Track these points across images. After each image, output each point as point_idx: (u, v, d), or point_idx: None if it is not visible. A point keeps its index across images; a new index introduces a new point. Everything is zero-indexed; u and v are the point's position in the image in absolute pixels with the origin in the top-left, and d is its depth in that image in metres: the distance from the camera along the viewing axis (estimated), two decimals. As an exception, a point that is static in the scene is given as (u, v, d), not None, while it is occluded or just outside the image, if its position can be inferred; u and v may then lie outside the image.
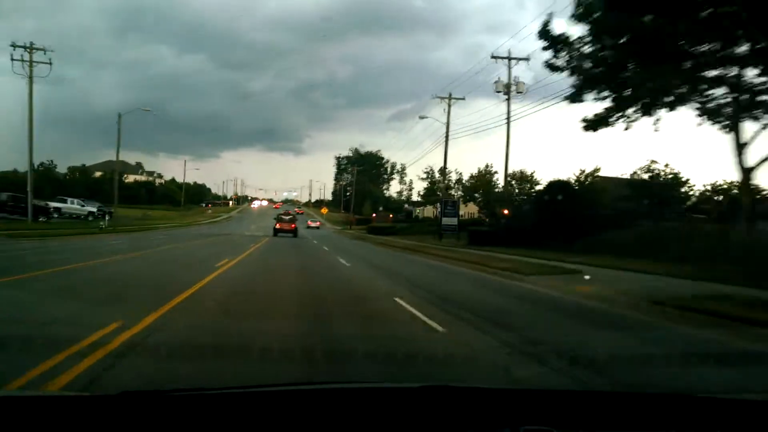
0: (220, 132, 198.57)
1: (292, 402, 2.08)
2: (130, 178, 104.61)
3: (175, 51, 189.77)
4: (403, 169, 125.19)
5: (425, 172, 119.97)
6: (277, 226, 41.53)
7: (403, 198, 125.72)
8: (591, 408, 2.13)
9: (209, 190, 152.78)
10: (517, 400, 2.20)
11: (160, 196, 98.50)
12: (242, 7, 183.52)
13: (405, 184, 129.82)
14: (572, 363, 5.78)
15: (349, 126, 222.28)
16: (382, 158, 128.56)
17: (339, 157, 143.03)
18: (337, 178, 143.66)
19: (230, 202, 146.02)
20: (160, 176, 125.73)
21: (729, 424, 2.06)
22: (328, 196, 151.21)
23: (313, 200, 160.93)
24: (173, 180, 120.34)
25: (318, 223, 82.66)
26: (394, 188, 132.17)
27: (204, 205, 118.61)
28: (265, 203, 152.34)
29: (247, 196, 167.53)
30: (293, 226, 41.73)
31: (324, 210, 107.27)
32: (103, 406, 1.94)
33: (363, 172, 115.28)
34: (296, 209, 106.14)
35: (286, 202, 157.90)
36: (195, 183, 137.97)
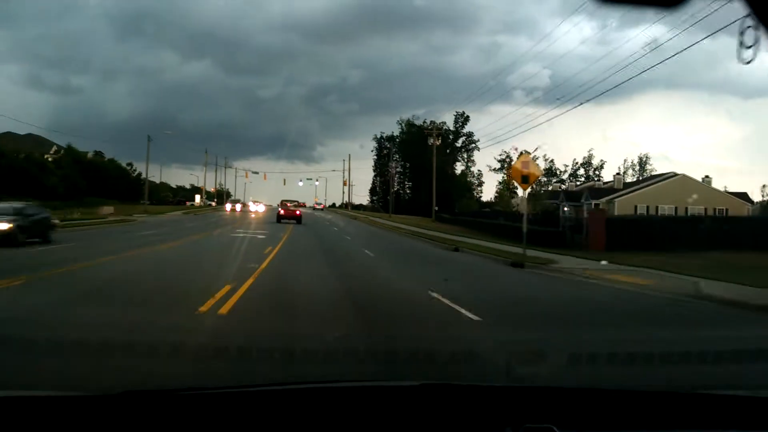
0: (232, 141, 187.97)
1: (294, 400, 2.06)
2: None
3: (182, 58, 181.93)
4: (470, 152, 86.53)
5: (499, 161, 77.10)
6: (281, 212, 42.22)
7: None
8: (594, 406, 2.09)
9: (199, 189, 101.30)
10: (518, 398, 2.16)
11: (27, 181, 53.18)
12: (251, 11, 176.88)
13: (472, 174, 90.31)
14: None
15: (362, 133, 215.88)
16: (450, 131, 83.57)
17: (380, 138, 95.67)
18: (377, 169, 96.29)
19: (197, 197, 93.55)
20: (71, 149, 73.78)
21: (732, 422, 2.03)
22: (351, 198, 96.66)
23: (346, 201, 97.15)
24: (72, 153, 70.11)
25: (323, 205, 78.90)
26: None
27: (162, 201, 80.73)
28: (261, 208, 74.91)
29: (249, 200, 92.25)
30: (298, 213, 42.04)
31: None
32: (105, 405, 1.90)
33: (422, 154, 75.71)
34: (297, 202, 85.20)
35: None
36: (129, 164, 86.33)
